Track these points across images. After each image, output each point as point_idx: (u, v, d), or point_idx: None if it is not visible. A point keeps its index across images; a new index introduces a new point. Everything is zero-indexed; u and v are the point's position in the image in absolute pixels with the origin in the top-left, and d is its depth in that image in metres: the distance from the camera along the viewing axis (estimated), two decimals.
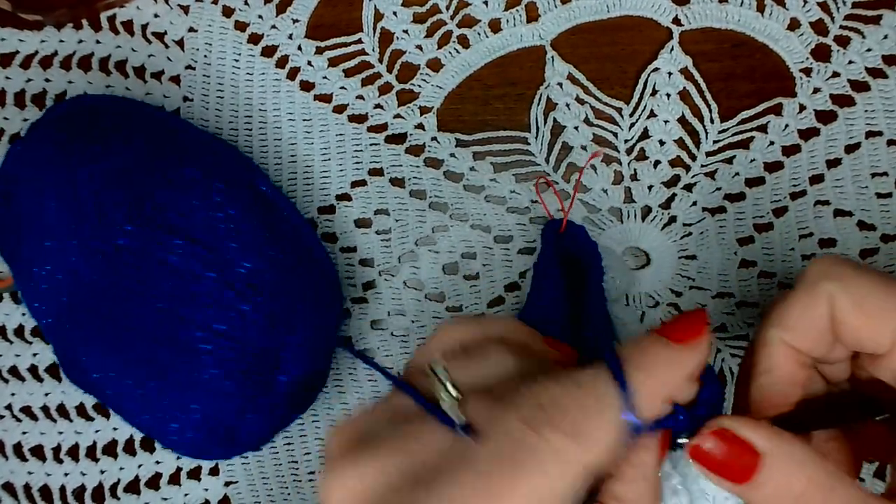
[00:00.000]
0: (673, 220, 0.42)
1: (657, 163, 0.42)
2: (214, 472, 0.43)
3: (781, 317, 0.27)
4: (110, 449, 0.44)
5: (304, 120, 0.44)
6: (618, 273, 0.41)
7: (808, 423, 0.28)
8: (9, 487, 0.42)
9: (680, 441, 0.27)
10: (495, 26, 0.44)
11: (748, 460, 0.24)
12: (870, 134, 0.42)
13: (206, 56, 0.45)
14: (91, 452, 0.44)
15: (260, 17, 0.45)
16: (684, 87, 0.42)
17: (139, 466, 0.43)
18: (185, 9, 0.45)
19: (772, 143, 0.42)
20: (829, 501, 0.24)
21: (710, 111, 0.42)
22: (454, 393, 0.25)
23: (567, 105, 0.43)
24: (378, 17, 0.44)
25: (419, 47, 0.44)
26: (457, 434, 0.24)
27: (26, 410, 0.44)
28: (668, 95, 0.42)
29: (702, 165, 0.42)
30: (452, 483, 0.23)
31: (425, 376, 0.26)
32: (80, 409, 0.44)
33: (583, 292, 0.39)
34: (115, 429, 0.44)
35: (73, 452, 0.44)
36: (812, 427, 0.28)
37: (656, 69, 0.43)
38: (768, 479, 0.24)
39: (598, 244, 0.41)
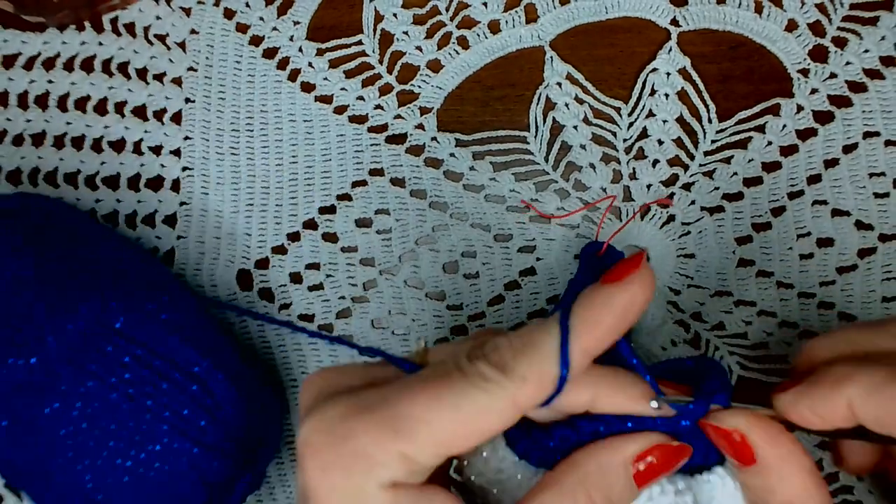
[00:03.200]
0: (671, 219, 0.42)
1: (656, 162, 0.42)
2: None
3: (798, 407, 0.28)
4: None
5: (305, 121, 0.44)
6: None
7: (829, 434, 0.28)
8: (11, 486, 0.42)
9: (711, 407, 0.27)
10: (495, 27, 0.44)
11: (751, 456, 0.26)
12: (867, 134, 0.42)
13: (207, 58, 0.45)
14: None
15: (261, 19, 0.45)
16: (682, 88, 0.43)
17: None
18: (187, 11, 0.45)
19: (770, 143, 0.42)
20: None
21: (709, 111, 0.42)
22: (423, 343, 0.28)
23: (566, 105, 0.43)
24: (378, 18, 0.45)
25: (419, 48, 0.44)
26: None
27: None
28: (667, 95, 0.43)
29: (700, 165, 0.42)
30: (391, 388, 0.25)
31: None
32: None
33: None
34: None
35: None
36: (839, 436, 0.29)
37: (655, 70, 0.43)
38: (761, 474, 0.26)
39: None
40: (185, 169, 0.44)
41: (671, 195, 0.42)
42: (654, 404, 0.26)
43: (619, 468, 0.26)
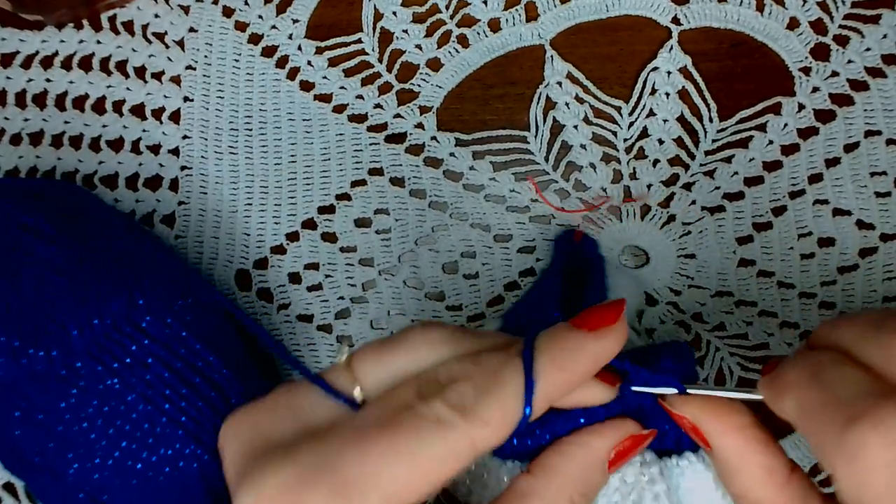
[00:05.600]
0: (672, 218, 0.42)
1: (656, 161, 0.42)
2: None
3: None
4: None
5: (304, 120, 0.44)
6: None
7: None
8: (10, 487, 0.42)
9: (657, 391, 0.27)
10: (495, 26, 0.44)
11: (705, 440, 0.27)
12: (869, 133, 0.42)
13: (206, 56, 0.45)
14: None
15: (260, 17, 0.45)
16: (683, 87, 0.42)
17: None
18: (186, 9, 0.45)
19: (771, 142, 0.42)
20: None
21: (709, 110, 0.42)
22: (344, 358, 0.25)
23: (566, 104, 0.43)
24: (378, 16, 0.44)
25: (419, 47, 0.44)
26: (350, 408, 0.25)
27: None
28: (668, 94, 0.42)
29: (701, 164, 0.42)
30: (332, 439, 0.23)
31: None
32: None
33: (579, 302, 0.38)
34: None
35: None
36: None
37: (655, 68, 0.43)
38: (717, 462, 0.26)
39: (605, 259, 0.41)
40: (183, 168, 0.44)
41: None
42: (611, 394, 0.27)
43: (597, 466, 0.26)
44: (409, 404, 0.23)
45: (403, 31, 0.44)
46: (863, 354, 0.24)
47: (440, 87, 0.44)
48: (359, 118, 0.44)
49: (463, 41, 0.44)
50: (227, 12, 0.45)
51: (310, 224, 0.44)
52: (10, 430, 0.34)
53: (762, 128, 0.42)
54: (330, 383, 0.25)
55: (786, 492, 0.26)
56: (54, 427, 0.34)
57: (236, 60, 0.45)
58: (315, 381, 0.25)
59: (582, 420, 0.27)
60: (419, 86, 0.44)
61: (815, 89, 0.42)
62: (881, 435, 0.22)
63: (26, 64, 0.45)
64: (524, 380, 0.24)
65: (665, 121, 0.42)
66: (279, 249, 0.44)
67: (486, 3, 0.44)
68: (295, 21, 0.45)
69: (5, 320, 0.34)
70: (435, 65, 0.44)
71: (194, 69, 0.45)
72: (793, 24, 0.42)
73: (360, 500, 0.22)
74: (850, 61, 0.42)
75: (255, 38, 0.45)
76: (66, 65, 0.45)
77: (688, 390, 0.27)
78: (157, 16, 0.45)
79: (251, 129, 0.44)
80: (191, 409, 0.34)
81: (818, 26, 0.42)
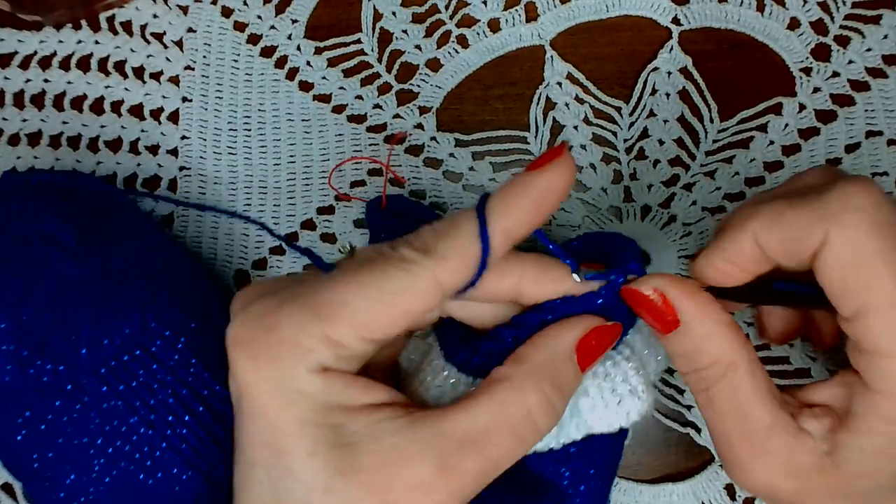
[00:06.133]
0: (672, 219, 0.42)
1: (657, 162, 0.42)
2: None
3: (711, 261, 0.29)
4: None
5: (303, 120, 0.44)
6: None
7: (747, 296, 0.30)
8: (8, 488, 0.42)
9: (627, 278, 0.28)
10: (494, 26, 0.44)
11: (673, 318, 0.27)
12: (870, 133, 0.42)
13: (205, 56, 0.45)
14: None
15: (259, 17, 0.45)
16: (684, 87, 0.42)
17: None
18: (184, 9, 0.45)
19: (772, 142, 0.42)
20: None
21: (710, 111, 0.42)
22: (349, 247, 0.28)
23: (566, 104, 0.43)
24: (377, 17, 0.44)
25: (418, 47, 0.44)
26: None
27: None
28: (668, 95, 0.42)
29: (701, 165, 0.42)
30: (311, 279, 0.26)
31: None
32: None
33: None
34: None
35: None
36: (749, 301, 0.31)
37: (656, 69, 0.43)
38: (686, 335, 0.27)
39: (432, 210, 0.41)
40: (182, 168, 0.44)
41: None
42: (577, 278, 0.27)
43: (565, 356, 0.27)
44: (380, 250, 0.26)
45: (403, 31, 0.44)
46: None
47: (440, 88, 0.44)
48: (358, 118, 0.44)
49: (462, 41, 0.44)
50: (226, 12, 0.45)
51: (309, 224, 0.43)
52: (13, 434, 0.34)
53: (763, 128, 0.42)
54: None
55: (749, 349, 0.27)
56: (55, 438, 0.34)
57: (235, 61, 0.45)
58: (314, 259, 0.28)
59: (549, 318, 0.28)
60: (419, 86, 0.44)
61: (816, 90, 0.42)
62: (859, 184, 0.25)
63: (24, 64, 0.45)
64: (477, 218, 0.25)
65: (665, 121, 0.42)
66: (278, 250, 0.43)
67: (485, 3, 0.44)
68: (294, 21, 0.45)
69: (16, 329, 0.34)
70: (434, 65, 0.44)
71: (193, 69, 0.45)
72: (793, 24, 0.42)
73: (330, 317, 0.24)
74: (850, 62, 0.42)
75: (254, 39, 0.45)
76: (65, 65, 0.45)
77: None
78: (155, 16, 0.45)
79: (250, 130, 0.44)
80: (191, 437, 0.34)
81: (819, 27, 0.42)
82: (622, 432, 0.30)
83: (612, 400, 0.29)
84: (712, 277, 0.29)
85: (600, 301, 0.28)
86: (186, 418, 0.34)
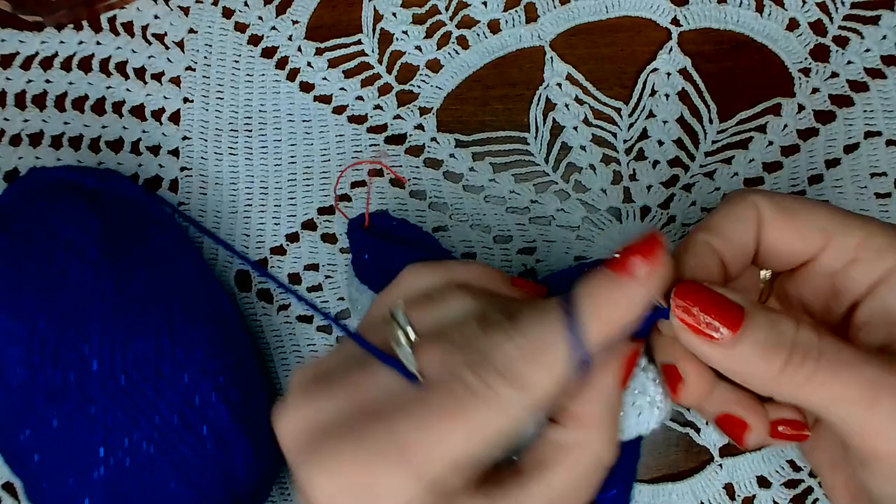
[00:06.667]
0: (672, 219, 0.42)
1: (656, 163, 0.42)
2: None
3: (710, 222, 0.28)
4: None
5: (304, 121, 0.44)
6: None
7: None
8: (9, 487, 0.42)
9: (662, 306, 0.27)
10: (494, 27, 0.44)
11: (733, 312, 0.24)
12: (869, 134, 0.42)
13: (206, 57, 0.45)
14: None
15: (260, 18, 0.45)
16: (683, 88, 0.42)
17: None
18: (186, 10, 0.45)
19: (771, 143, 0.42)
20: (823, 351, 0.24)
21: (709, 111, 0.42)
22: (412, 337, 0.26)
23: (566, 105, 0.43)
24: (377, 18, 0.44)
25: (418, 48, 0.44)
26: (408, 379, 0.25)
27: None
28: (667, 96, 0.42)
29: (700, 166, 0.42)
30: (396, 418, 0.24)
31: (385, 323, 0.27)
32: None
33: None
34: None
35: None
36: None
37: (655, 70, 0.43)
38: (754, 329, 0.24)
39: (418, 227, 0.40)
40: (183, 169, 0.44)
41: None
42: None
43: (616, 395, 0.26)
44: (465, 380, 0.24)
45: (403, 32, 0.44)
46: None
47: (440, 89, 0.44)
48: (359, 119, 0.44)
49: (463, 42, 0.44)
50: (227, 13, 0.45)
51: (310, 225, 0.43)
52: (18, 433, 0.35)
53: (762, 129, 0.42)
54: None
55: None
56: (58, 442, 0.34)
57: (236, 61, 0.45)
58: (385, 360, 0.26)
59: None
60: (419, 87, 0.44)
61: (815, 90, 0.42)
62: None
63: (26, 65, 0.45)
64: (567, 340, 0.24)
65: (665, 122, 0.42)
66: (279, 250, 0.43)
67: (485, 4, 0.44)
68: (295, 22, 0.45)
69: (30, 334, 0.34)
70: (435, 66, 0.44)
71: (194, 70, 0.45)
72: (792, 25, 0.42)
73: (426, 468, 0.23)
74: (849, 62, 0.42)
75: (254, 40, 0.45)
76: (66, 66, 0.45)
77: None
78: (156, 17, 0.45)
79: (251, 130, 0.44)
80: (193, 458, 0.34)
81: (818, 27, 0.42)
82: (639, 437, 0.30)
83: (632, 412, 0.29)
84: (690, 265, 0.27)
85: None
86: (189, 439, 0.34)
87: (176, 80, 0.45)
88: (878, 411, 0.23)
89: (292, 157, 0.44)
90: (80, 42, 0.45)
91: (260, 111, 0.45)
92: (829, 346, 0.24)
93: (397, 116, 0.44)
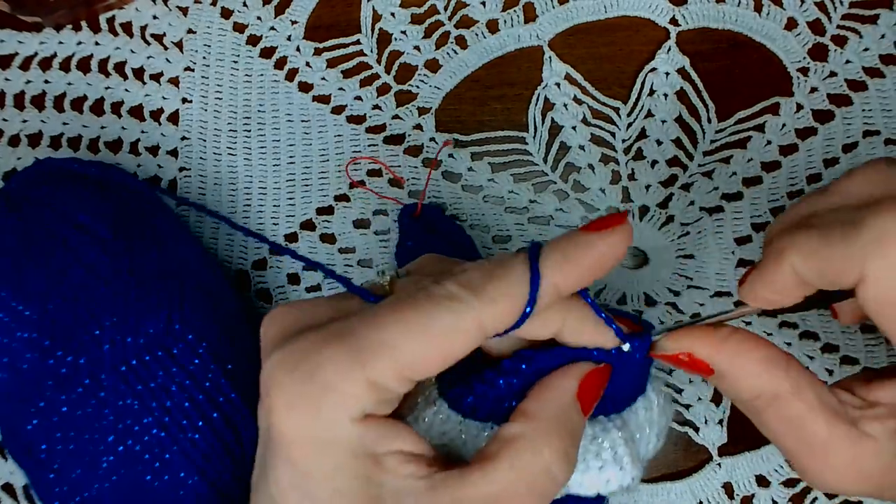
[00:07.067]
0: (670, 219, 0.42)
1: (654, 162, 0.42)
2: None
3: (755, 290, 0.28)
4: None
5: (303, 121, 0.44)
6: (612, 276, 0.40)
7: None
8: (8, 488, 0.42)
9: (654, 338, 0.28)
10: (493, 27, 0.44)
11: (705, 367, 0.28)
12: (867, 133, 0.42)
13: (204, 57, 0.45)
14: None
15: (258, 18, 0.45)
16: (681, 87, 0.42)
17: None
18: (184, 10, 0.45)
19: (769, 142, 0.42)
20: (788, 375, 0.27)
21: (708, 111, 0.42)
22: (387, 275, 0.27)
23: (565, 105, 0.43)
24: (376, 17, 0.44)
25: (417, 48, 0.44)
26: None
27: None
28: (666, 95, 0.42)
29: (699, 165, 0.42)
30: (357, 318, 0.24)
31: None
32: None
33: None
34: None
35: None
36: (812, 306, 0.30)
37: (654, 69, 0.43)
38: (721, 380, 0.27)
39: (462, 228, 0.41)
40: (181, 169, 0.44)
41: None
42: (625, 348, 0.27)
43: (570, 404, 0.27)
44: (424, 286, 0.25)
45: (402, 32, 0.44)
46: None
47: (438, 89, 0.44)
48: (357, 119, 0.44)
49: (461, 42, 0.44)
50: (226, 13, 0.45)
51: (308, 225, 0.44)
52: (25, 422, 0.34)
53: (760, 128, 0.42)
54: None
55: (791, 375, 0.27)
56: (67, 431, 0.34)
57: (235, 62, 0.45)
58: (353, 289, 0.27)
59: (531, 373, 0.28)
60: (418, 87, 0.44)
61: (814, 89, 0.42)
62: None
63: (25, 65, 0.45)
64: (529, 265, 0.25)
65: (663, 122, 0.42)
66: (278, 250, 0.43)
67: (484, 4, 0.44)
68: (293, 22, 0.45)
69: (40, 317, 0.34)
70: (433, 66, 0.44)
71: (193, 70, 0.45)
72: (791, 24, 0.43)
73: (373, 362, 0.23)
74: (848, 61, 0.42)
75: (253, 40, 0.45)
76: (65, 66, 0.45)
77: (665, 330, 0.28)
78: (155, 17, 0.45)
79: (250, 131, 0.44)
80: (202, 443, 0.34)
81: (816, 27, 0.42)
82: (600, 499, 0.29)
83: (593, 463, 0.28)
84: (758, 303, 0.29)
85: (596, 352, 0.28)
86: (200, 423, 0.34)
87: (174, 81, 0.45)
88: None
89: (291, 157, 0.44)
90: (79, 42, 0.45)
91: (259, 111, 0.45)
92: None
93: (396, 116, 0.44)
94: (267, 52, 0.45)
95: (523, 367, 0.27)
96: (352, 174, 0.43)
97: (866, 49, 0.42)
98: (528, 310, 0.25)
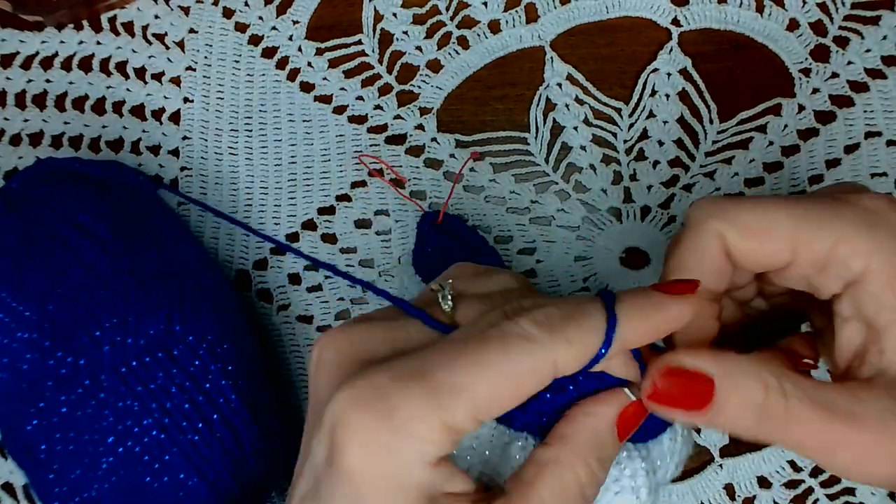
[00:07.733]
0: (672, 220, 0.42)
1: (656, 163, 0.42)
2: None
3: (678, 264, 0.28)
4: None
5: (304, 121, 0.44)
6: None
7: (737, 348, 0.29)
8: (8, 488, 0.42)
9: (631, 394, 0.27)
10: (495, 27, 0.44)
11: (703, 387, 0.25)
12: (869, 134, 0.42)
13: (206, 57, 0.45)
14: None
15: (260, 18, 0.45)
16: (683, 88, 0.42)
17: None
18: (186, 10, 0.45)
19: (771, 143, 0.42)
20: (789, 399, 0.25)
21: (709, 112, 0.42)
22: (450, 298, 0.27)
23: (566, 105, 0.43)
24: (378, 18, 0.44)
25: (419, 48, 0.44)
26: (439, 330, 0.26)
27: None
28: (668, 96, 0.42)
29: (701, 166, 0.42)
30: (427, 355, 0.24)
31: (431, 292, 0.28)
32: None
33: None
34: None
35: None
36: (742, 351, 0.29)
37: (655, 70, 0.43)
38: (726, 399, 0.25)
39: (484, 239, 0.41)
40: (183, 169, 0.44)
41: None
42: (630, 395, 0.27)
43: (607, 431, 0.26)
44: (497, 323, 0.24)
45: (404, 32, 0.44)
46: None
47: (440, 89, 0.44)
48: (359, 119, 0.44)
49: (463, 43, 0.44)
50: (228, 13, 0.45)
51: (310, 225, 0.43)
52: (25, 422, 0.34)
53: (762, 129, 0.42)
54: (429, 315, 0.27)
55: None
56: (67, 431, 0.34)
57: (236, 61, 0.45)
58: (414, 313, 0.27)
59: (575, 393, 0.27)
60: (419, 87, 0.44)
61: (815, 90, 0.42)
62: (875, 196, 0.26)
63: (26, 64, 0.46)
64: (606, 314, 0.25)
65: (665, 122, 0.42)
66: (279, 250, 0.43)
67: (486, 4, 0.44)
68: (295, 22, 0.45)
69: (40, 318, 0.34)
70: (435, 66, 0.44)
71: (194, 70, 0.45)
72: (792, 25, 0.43)
73: (448, 404, 0.23)
74: (849, 62, 0.42)
75: (255, 40, 0.45)
76: (66, 65, 0.45)
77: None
78: (157, 17, 0.45)
79: (251, 131, 0.44)
80: (202, 445, 0.34)
81: (818, 28, 0.42)
82: None
83: (612, 487, 0.28)
84: (678, 276, 0.28)
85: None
86: (199, 425, 0.34)
87: (176, 80, 0.45)
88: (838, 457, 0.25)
89: (292, 157, 0.44)
90: (81, 42, 0.45)
91: (260, 111, 0.45)
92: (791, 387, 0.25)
93: (397, 116, 0.44)
94: (269, 52, 0.45)
95: (570, 388, 0.27)
96: (354, 174, 0.43)
97: (868, 50, 0.42)
98: (602, 351, 0.25)
